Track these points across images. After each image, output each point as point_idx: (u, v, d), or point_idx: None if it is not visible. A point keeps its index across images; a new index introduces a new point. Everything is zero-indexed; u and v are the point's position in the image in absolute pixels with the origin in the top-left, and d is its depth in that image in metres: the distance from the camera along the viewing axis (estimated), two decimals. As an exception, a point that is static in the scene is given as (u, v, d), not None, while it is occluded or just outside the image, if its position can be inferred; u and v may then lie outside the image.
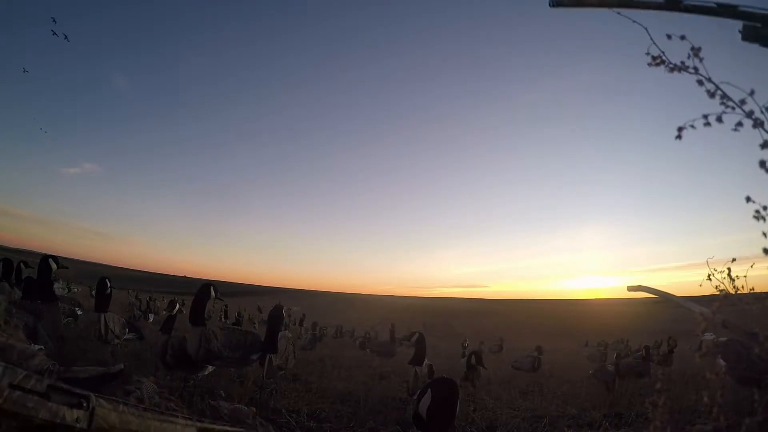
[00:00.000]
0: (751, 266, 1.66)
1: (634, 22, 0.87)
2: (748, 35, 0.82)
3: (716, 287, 1.68)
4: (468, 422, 3.37)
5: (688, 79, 0.83)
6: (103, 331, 4.08)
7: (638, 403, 3.82)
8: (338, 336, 12.63)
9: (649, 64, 0.84)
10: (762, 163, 0.70)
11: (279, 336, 3.78)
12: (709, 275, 1.71)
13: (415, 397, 2.72)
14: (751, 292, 1.67)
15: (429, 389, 2.45)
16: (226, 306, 14.01)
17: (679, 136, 0.76)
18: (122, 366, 1.65)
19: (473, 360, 4.54)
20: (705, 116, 0.74)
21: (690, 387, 4.12)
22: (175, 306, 4.15)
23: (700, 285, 1.72)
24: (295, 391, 3.89)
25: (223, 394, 3.32)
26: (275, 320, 3.72)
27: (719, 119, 0.74)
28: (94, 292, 7.37)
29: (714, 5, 0.86)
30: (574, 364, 7.92)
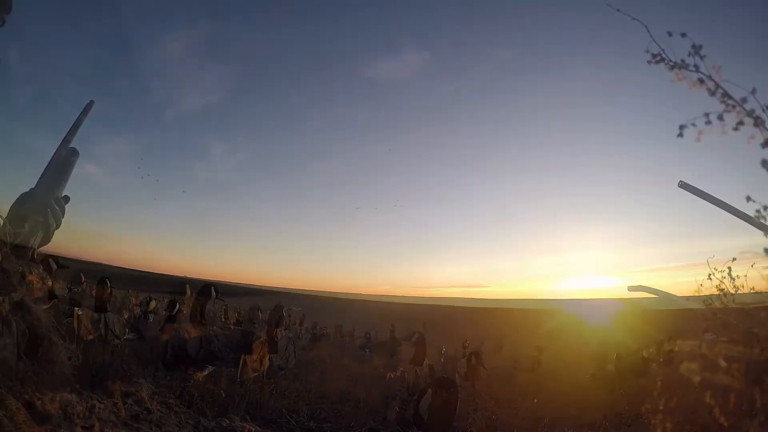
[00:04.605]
0: (752, 266, 1.65)
1: (633, 19, 0.86)
2: None
3: (717, 287, 1.67)
4: (468, 422, 3.37)
5: (689, 78, 0.82)
6: (103, 331, 4.08)
7: (638, 404, 3.81)
8: (338, 336, 12.61)
9: (649, 62, 0.83)
10: (763, 163, 0.70)
11: (279, 336, 3.78)
12: (709, 275, 1.70)
13: (415, 397, 2.71)
14: (751, 291, 1.66)
15: (429, 389, 2.45)
16: (226, 306, 13.98)
17: (680, 134, 0.76)
18: None
19: (473, 360, 4.54)
20: (706, 114, 0.73)
21: (690, 387, 4.11)
22: (175, 306, 4.15)
23: (701, 285, 1.71)
24: (295, 391, 3.88)
25: (224, 395, 3.31)
26: (275, 320, 3.72)
27: (720, 117, 0.74)
28: (94, 292, 7.36)
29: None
30: (574, 364, 7.90)
